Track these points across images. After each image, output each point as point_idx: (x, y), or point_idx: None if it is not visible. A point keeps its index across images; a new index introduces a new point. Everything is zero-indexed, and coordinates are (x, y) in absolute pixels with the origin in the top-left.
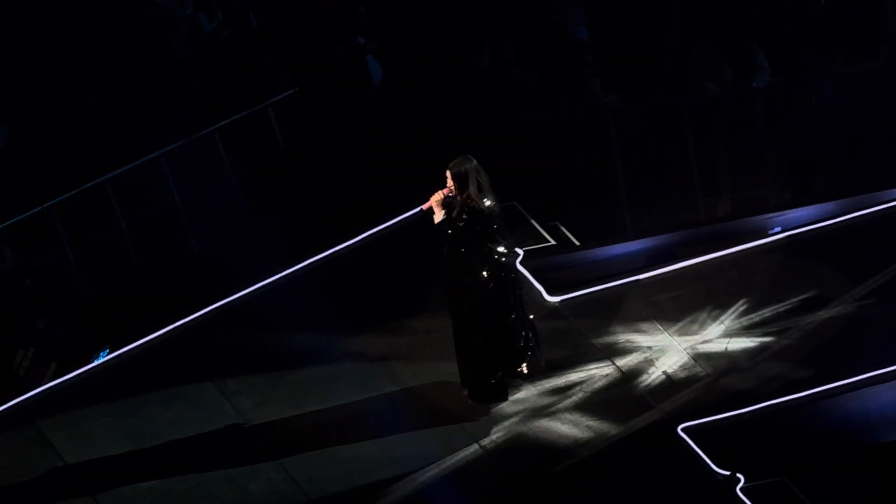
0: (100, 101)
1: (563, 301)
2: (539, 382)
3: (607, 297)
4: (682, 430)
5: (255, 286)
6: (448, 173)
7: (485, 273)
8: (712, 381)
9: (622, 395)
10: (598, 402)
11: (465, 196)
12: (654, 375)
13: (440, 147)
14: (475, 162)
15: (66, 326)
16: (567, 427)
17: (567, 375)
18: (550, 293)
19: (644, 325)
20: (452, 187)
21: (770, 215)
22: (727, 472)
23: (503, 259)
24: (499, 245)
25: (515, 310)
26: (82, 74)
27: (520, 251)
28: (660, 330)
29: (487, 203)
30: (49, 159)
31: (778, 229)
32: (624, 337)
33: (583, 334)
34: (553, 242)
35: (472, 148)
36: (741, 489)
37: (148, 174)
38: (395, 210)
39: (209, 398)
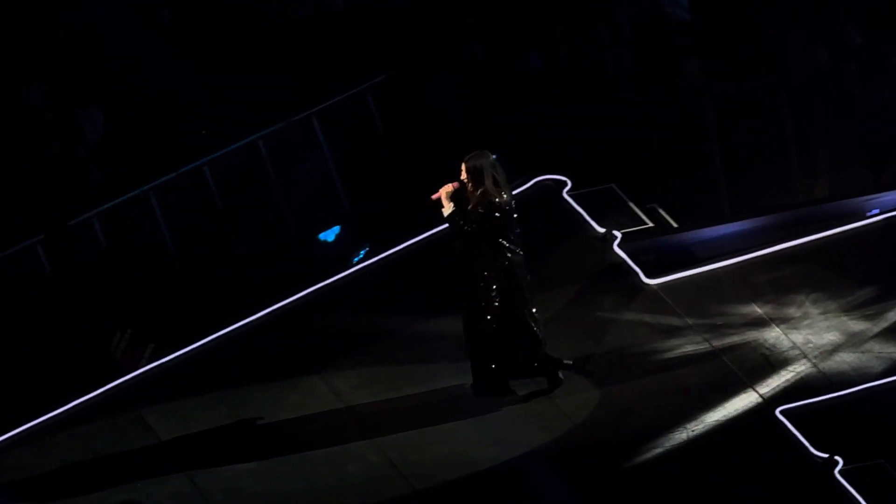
0: (197, 84)
1: (660, 283)
2: (636, 364)
3: (705, 279)
4: (781, 412)
5: (353, 268)
6: (463, 166)
7: (496, 269)
8: (811, 363)
9: (720, 378)
10: (695, 385)
11: (481, 190)
12: (752, 358)
13: (538, 130)
14: (492, 157)
15: (164, 308)
16: (664, 409)
17: (665, 358)
18: (648, 275)
19: (742, 308)
20: (465, 180)
21: (867, 197)
22: (825, 455)
23: (515, 256)
24: (512, 242)
25: (526, 308)
26: (178, 57)
27: (617, 233)
28: (758, 312)
29: (504, 197)
30: (147, 143)
31: (876, 211)
32: (722, 319)
33: (680, 317)
34: (650, 224)
35: (569, 130)
36: (839, 472)
37: (246, 156)
38: None
39: (307, 380)
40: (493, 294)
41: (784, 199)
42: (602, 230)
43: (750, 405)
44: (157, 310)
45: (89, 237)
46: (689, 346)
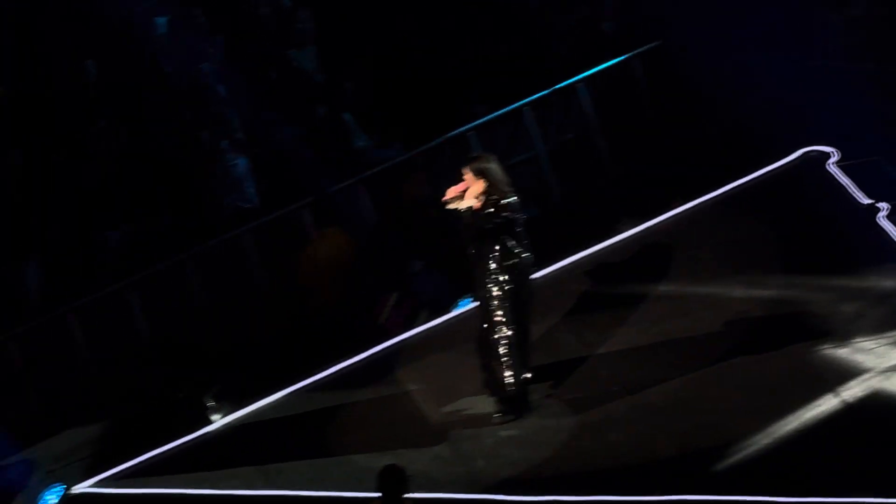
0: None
1: None
2: None
3: None
4: None
5: (615, 237)
6: (467, 169)
7: (506, 269)
8: None
9: None
10: None
11: (491, 189)
12: None
13: (806, 102)
14: (496, 160)
15: (437, 272)
16: None
17: None
18: None
19: None
20: (469, 182)
21: None
22: None
23: (524, 257)
24: (521, 242)
25: (522, 312)
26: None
27: (884, 205)
28: None
29: (513, 198)
30: (416, 110)
31: None
32: None
33: None
34: None
35: (835, 102)
36: None
37: (511, 123)
38: (757, 163)
39: (571, 349)
40: (506, 293)
41: None
42: (867, 202)
43: None
44: (431, 273)
45: (354, 202)
46: None
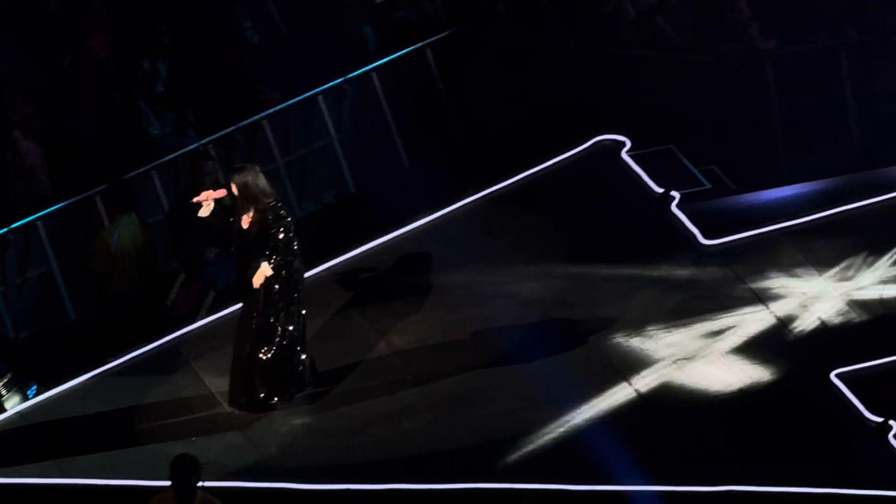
0: (260, 39)
1: (718, 245)
2: (692, 325)
3: (762, 242)
4: (836, 375)
5: (410, 225)
6: (231, 182)
7: (282, 280)
8: (866, 327)
9: (776, 340)
10: (751, 347)
11: (265, 203)
12: (808, 321)
13: (598, 90)
14: (258, 170)
15: (231, 259)
16: (720, 371)
17: (721, 319)
18: (705, 237)
19: (799, 270)
20: (235, 194)
21: None
22: (880, 419)
23: (299, 266)
24: (296, 251)
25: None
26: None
27: (676, 194)
28: (815, 275)
29: (279, 210)
30: (209, 97)
31: None
32: (779, 282)
33: (737, 278)
34: (709, 186)
35: (628, 91)
36: (894, 436)
37: (305, 113)
38: (549, 153)
39: (365, 337)
40: (282, 306)
41: (843, 161)
42: (660, 191)
43: (804, 368)
44: (220, 260)
45: (149, 190)
46: (744, 307)
